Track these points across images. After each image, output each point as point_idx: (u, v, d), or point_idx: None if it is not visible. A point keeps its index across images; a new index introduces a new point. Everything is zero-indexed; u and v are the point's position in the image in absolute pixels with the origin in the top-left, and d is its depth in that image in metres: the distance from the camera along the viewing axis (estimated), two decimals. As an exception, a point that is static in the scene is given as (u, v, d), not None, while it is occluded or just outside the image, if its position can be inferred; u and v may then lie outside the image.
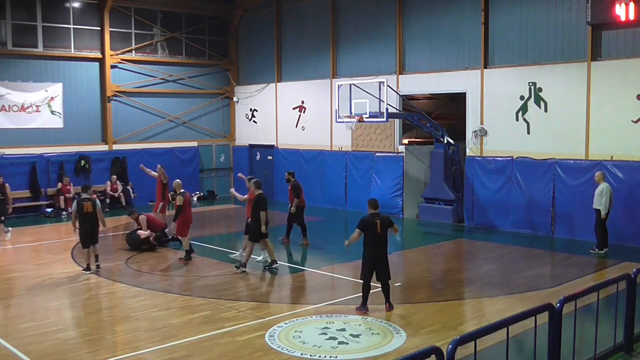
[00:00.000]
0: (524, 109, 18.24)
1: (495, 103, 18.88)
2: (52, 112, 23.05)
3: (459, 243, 17.56)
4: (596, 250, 15.39)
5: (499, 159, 18.72)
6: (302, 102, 24.76)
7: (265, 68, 26.26)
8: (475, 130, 19.28)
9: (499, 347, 6.50)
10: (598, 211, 15.27)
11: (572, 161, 17.19)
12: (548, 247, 16.56)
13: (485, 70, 19.07)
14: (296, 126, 25.04)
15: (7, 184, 17.97)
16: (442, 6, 20.23)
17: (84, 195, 13.96)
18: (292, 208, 16.59)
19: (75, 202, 14.09)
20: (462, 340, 5.61)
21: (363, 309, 10.67)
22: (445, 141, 19.80)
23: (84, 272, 13.66)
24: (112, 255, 15.62)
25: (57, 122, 23.17)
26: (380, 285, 10.86)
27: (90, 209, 13.77)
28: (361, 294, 10.79)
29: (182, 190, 15.18)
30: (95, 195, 14.86)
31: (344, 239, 14.40)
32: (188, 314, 10.57)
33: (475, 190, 19.29)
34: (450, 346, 5.37)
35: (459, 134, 20.02)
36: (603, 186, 15.23)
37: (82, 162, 23.17)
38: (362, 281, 10.85)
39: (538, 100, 17.93)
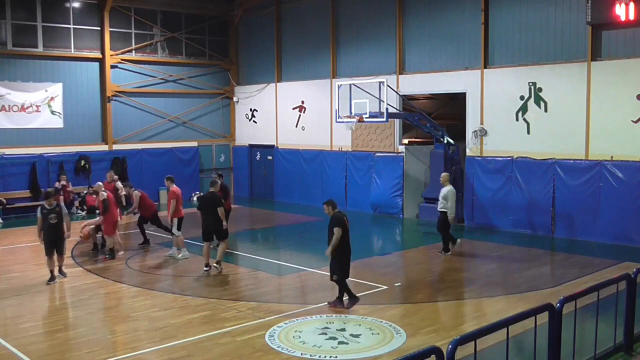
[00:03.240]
0: (524, 109, 18.24)
1: (495, 103, 18.89)
2: (52, 112, 23.06)
3: (459, 243, 17.53)
4: (443, 252, 15.42)
5: (499, 159, 18.72)
6: (302, 102, 24.76)
7: (265, 68, 26.27)
8: (475, 130, 19.29)
9: (499, 347, 6.50)
10: (443, 213, 15.19)
11: (572, 161, 17.19)
12: (548, 247, 16.56)
13: (485, 70, 19.07)
14: (296, 126, 25.05)
15: None
16: (442, 6, 20.23)
17: (46, 205, 12.82)
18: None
19: (38, 210, 13.00)
20: (462, 340, 5.61)
21: (340, 304, 10.91)
22: (445, 141, 19.79)
23: (48, 282, 12.81)
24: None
25: (57, 122, 23.17)
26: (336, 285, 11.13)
27: (54, 220, 12.74)
28: (342, 291, 11.00)
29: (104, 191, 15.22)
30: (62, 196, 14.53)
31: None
32: (188, 314, 10.57)
33: (475, 190, 19.29)
34: (450, 346, 5.38)
35: (459, 134, 20.03)
36: (447, 189, 15.21)
37: (82, 162, 23.17)
38: (335, 280, 11.00)
39: (538, 100, 17.93)
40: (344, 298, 11.01)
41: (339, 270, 10.89)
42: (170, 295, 12.03)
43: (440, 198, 15.37)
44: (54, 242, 12.82)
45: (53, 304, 11.85)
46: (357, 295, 11.12)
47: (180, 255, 15.01)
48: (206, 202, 13.77)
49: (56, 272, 13.06)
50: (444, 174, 15.69)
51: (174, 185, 15.39)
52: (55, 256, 12.95)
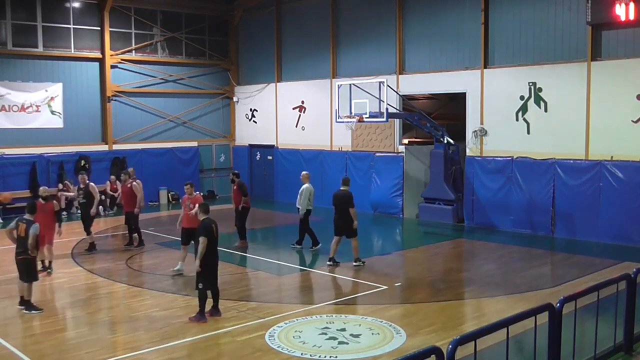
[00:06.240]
0: (524, 109, 18.24)
1: (495, 103, 18.88)
2: (52, 112, 23.06)
3: (459, 243, 17.56)
4: (296, 245, 16.10)
5: (499, 159, 18.72)
6: (302, 102, 24.76)
7: (265, 68, 26.27)
8: (475, 130, 19.28)
9: (499, 347, 6.49)
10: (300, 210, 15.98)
11: (572, 161, 17.19)
12: (548, 247, 16.56)
13: (485, 70, 19.07)
14: (296, 126, 25.05)
15: None
16: (442, 6, 20.23)
17: (26, 216, 11.14)
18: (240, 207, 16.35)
19: (15, 220, 11.35)
20: (462, 340, 5.61)
21: (202, 318, 10.32)
22: (445, 141, 19.80)
23: (19, 306, 11.13)
24: (111, 255, 15.65)
25: (57, 122, 23.17)
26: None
27: (23, 233, 10.86)
28: (200, 303, 10.36)
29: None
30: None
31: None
32: (188, 314, 10.54)
33: (475, 190, 19.28)
34: (450, 346, 5.37)
35: (459, 134, 20.02)
36: (304, 187, 15.96)
37: (82, 162, 23.15)
38: (199, 289, 10.37)
39: (538, 100, 17.92)
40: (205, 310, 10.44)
41: (204, 279, 10.34)
42: (170, 295, 12.03)
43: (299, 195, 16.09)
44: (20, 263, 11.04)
45: (52, 304, 11.84)
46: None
47: (177, 268, 13.69)
48: (339, 200, 14.12)
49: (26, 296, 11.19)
50: (303, 173, 16.51)
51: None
52: (23, 283, 11.13)
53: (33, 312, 10.89)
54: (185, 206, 13.84)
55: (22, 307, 10.99)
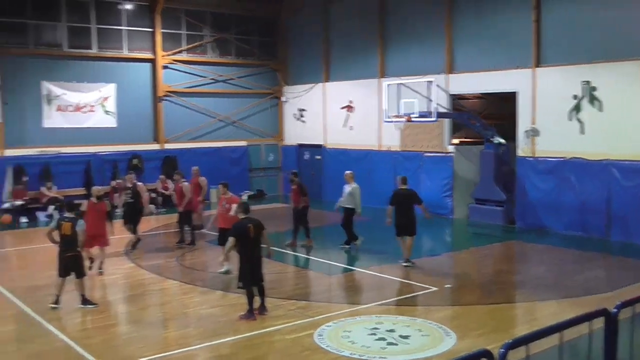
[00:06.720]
0: (577, 108, 17.83)
1: (548, 102, 18.50)
2: (106, 112, 23.59)
3: (510, 245, 17.30)
4: (345, 245, 16.00)
5: (551, 159, 18.35)
6: (350, 101, 24.74)
7: (313, 68, 26.34)
8: (527, 130, 18.94)
9: (551, 352, 6.37)
10: (346, 209, 15.86)
11: (628, 162, 16.73)
12: (602, 250, 16.12)
13: (537, 69, 18.72)
14: (344, 126, 25.04)
15: None
16: (493, 4, 19.94)
17: (66, 214, 11.24)
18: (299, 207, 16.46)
19: (55, 220, 11.53)
20: (514, 344, 5.50)
21: (251, 316, 10.38)
22: (496, 141, 19.52)
23: (51, 305, 11.02)
24: (163, 253, 15.91)
25: (111, 122, 23.69)
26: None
27: (69, 232, 10.95)
28: (248, 301, 10.44)
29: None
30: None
31: (392, 239, 14.49)
32: (238, 312, 10.63)
33: (527, 191, 18.95)
34: (501, 350, 5.29)
35: (509, 134, 19.70)
36: (355, 187, 15.85)
37: (135, 161, 23.62)
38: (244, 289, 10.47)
39: (592, 99, 17.50)
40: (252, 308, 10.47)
41: (242, 279, 10.45)
42: (219, 292, 12.17)
43: (344, 194, 15.95)
44: (68, 261, 11.07)
45: (106, 300, 12.11)
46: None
47: (223, 270, 13.40)
48: (405, 198, 14.14)
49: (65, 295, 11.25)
50: (348, 172, 16.23)
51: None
52: (75, 281, 11.20)
53: (89, 306, 11.15)
54: (220, 205, 13.96)
55: (88, 306, 11.16)
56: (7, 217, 19.33)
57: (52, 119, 22.46)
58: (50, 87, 22.35)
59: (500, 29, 19.77)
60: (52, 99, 22.41)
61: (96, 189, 14.06)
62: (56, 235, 11.04)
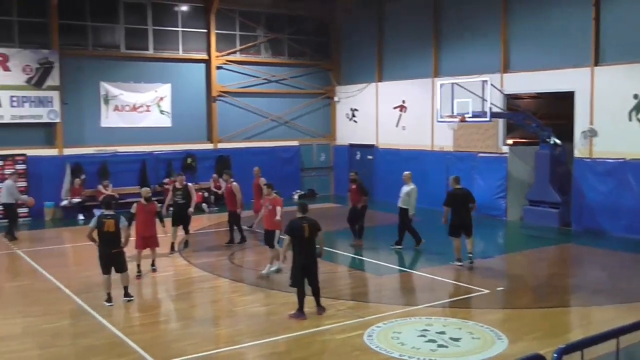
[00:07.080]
0: (637, 108, 17.30)
1: (606, 102, 17.99)
2: (161, 112, 24.03)
3: (565, 248, 16.91)
4: (396, 246, 15.88)
5: (610, 160, 17.85)
6: (403, 101, 24.58)
7: (366, 68, 26.26)
8: (585, 131, 18.46)
9: (606, 358, 6.19)
10: (402, 210, 15.72)
11: (691, 164, 16.16)
12: (664, 254, 15.62)
13: (595, 67, 18.23)
14: (396, 126, 24.89)
15: None
16: (549, 1, 19.51)
17: (106, 212, 11.35)
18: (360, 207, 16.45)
19: (95, 218, 11.49)
20: (568, 349, 5.37)
21: (301, 315, 10.39)
22: (552, 142, 19.10)
23: (106, 303, 11.18)
24: (214, 251, 16.10)
25: (166, 121, 24.11)
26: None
27: (112, 228, 11.14)
28: (299, 300, 10.49)
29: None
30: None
31: (444, 241, 14.35)
32: (288, 311, 10.68)
33: (584, 193, 18.48)
34: (555, 354, 5.17)
35: (565, 135, 19.24)
36: (413, 187, 15.74)
37: (189, 160, 24.00)
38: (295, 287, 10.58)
39: (654, 99, 16.95)
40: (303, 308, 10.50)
41: (293, 277, 10.57)
42: (270, 291, 12.25)
43: (402, 195, 15.83)
44: (112, 257, 11.24)
45: (157, 296, 12.32)
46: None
47: (273, 269, 13.41)
48: (462, 198, 14.07)
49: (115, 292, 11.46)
50: (406, 173, 16.06)
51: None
52: (119, 275, 11.38)
53: (125, 299, 11.37)
54: (264, 207, 14.01)
55: (128, 298, 11.42)
56: (31, 200, 19.62)
57: (110, 119, 23.00)
58: (108, 87, 22.89)
59: (557, 27, 19.34)
60: (109, 99, 22.94)
61: (145, 190, 13.93)
62: (95, 235, 11.21)
